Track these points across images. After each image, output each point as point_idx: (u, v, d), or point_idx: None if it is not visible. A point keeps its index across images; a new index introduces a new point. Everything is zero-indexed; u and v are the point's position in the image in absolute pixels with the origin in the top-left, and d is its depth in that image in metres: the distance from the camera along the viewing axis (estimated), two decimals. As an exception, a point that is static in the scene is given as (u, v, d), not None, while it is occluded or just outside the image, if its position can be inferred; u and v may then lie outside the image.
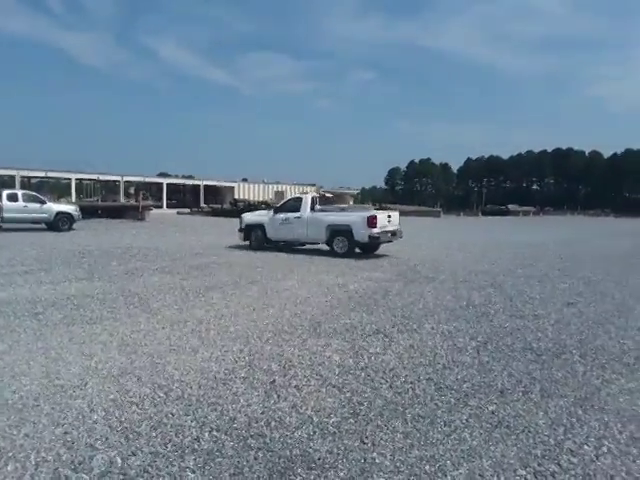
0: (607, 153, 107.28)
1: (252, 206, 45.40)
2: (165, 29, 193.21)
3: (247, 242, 16.53)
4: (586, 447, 3.48)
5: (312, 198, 15.61)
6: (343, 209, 15.82)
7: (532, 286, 10.06)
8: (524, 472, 3.14)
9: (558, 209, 77.28)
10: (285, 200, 16.21)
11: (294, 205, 15.66)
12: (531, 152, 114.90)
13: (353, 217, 14.83)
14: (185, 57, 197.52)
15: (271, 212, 16.10)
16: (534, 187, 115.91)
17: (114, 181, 59.11)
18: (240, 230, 16.49)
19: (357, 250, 14.94)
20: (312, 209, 15.26)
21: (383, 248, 15.83)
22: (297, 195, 16.66)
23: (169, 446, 3.37)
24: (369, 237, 14.44)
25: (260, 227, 15.96)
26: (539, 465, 3.22)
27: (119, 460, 3.18)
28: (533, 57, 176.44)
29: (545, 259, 14.88)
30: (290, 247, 16.28)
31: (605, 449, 3.45)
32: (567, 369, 5.09)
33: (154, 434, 3.53)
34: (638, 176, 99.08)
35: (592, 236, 27.19)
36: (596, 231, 32.49)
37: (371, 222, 14.44)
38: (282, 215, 15.57)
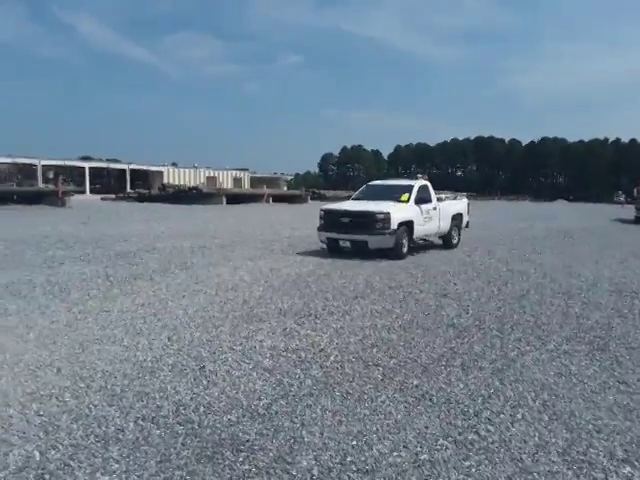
0: (526, 141, 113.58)
1: (182, 192, 44.16)
2: (82, 3, 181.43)
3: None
4: (502, 415, 3.71)
5: None
6: (455, 197, 15.16)
7: (455, 266, 10.51)
8: (445, 442, 3.30)
9: (481, 194, 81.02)
10: (417, 188, 12.59)
11: (424, 194, 12.79)
12: (456, 140, 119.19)
13: (462, 205, 14.85)
14: (107, 35, 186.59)
15: (407, 204, 12.15)
16: (458, 173, 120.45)
17: (31, 165, 55.43)
18: (386, 232, 11.24)
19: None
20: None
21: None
22: (423, 182, 13.29)
23: (91, 437, 3.25)
24: (467, 223, 15.00)
25: (409, 225, 11.92)
26: (459, 434, 3.40)
27: (37, 454, 3.03)
28: (453, 47, 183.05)
29: (466, 243, 15.58)
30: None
31: (520, 416, 3.69)
32: (486, 343, 5.38)
33: (75, 426, 3.39)
34: (553, 162, 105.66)
35: (507, 219, 28.75)
36: (512, 215, 34.39)
37: (469, 209, 15.14)
38: (425, 207, 12.52)
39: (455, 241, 14.03)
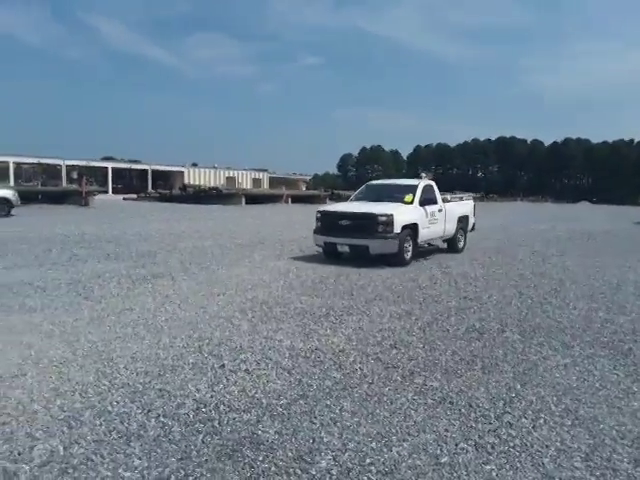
0: (548, 142, 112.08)
1: (202, 192, 44.58)
2: (105, 6, 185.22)
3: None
4: (524, 420, 3.66)
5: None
6: (461, 198, 14.05)
7: (475, 268, 10.42)
8: (466, 445, 3.27)
9: (502, 195, 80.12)
10: (422, 189, 11.64)
11: (429, 195, 11.86)
12: (477, 140, 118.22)
13: (469, 206, 13.94)
14: (126, 36, 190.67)
15: (412, 205, 11.17)
16: (479, 174, 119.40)
17: (55, 165, 56.53)
18: (389, 236, 10.29)
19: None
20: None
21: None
22: (428, 182, 12.41)
23: (114, 433, 3.30)
24: (473, 226, 14.09)
25: (413, 228, 10.95)
26: (480, 438, 3.37)
27: (61, 449, 3.09)
28: (473, 46, 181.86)
29: (487, 245, 15.41)
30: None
31: (542, 421, 3.64)
32: (507, 347, 5.32)
33: (98, 422, 3.45)
34: (576, 163, 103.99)
35: (528, 221, 28.38)
36: (533, 216, 33.92)
37: (475, 211, 14.27)
38: (430, 209, 11.59)
39: (461, 245, 13.29)
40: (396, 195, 11.63)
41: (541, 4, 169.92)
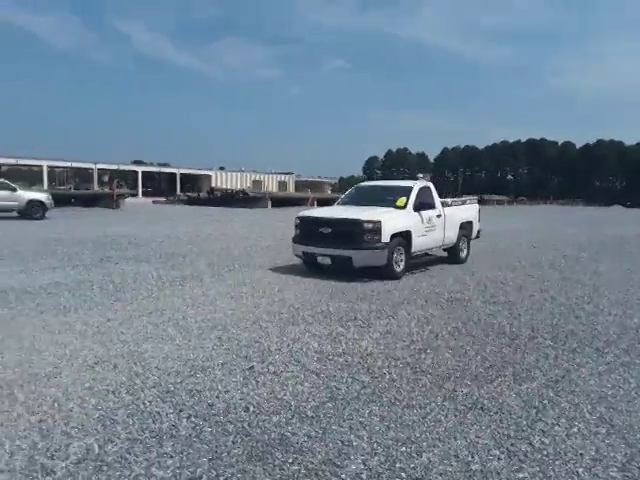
0: (579, 144, 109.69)
1: (229, 195, 45.08)
2: (134, 11, 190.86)
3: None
4: (557, 427, 3.59)
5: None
6: (463, 202, 12.65)
7: (504, 272, 10.25)
8: (497, 452, 3.22)
9: (532, 198, 78.66)
10: (417, 191, 10.38)
11: (425, 198, 10.52)
12: (505, 142, 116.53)
13: (473, 210, 12.58)
14: (155, 41, 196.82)
15: (404, 210, 9.92)
16: (508, 177, 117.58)
17: (87, 169, 58.02)
18: (376, 246, 9.07)
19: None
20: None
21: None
22: (425, 183, 11.12)
23: (147, 432, 3.36)
24: (478, 233, 12.78)
25: (405, 236, 9.71)
26: (512, 445, 3.31)
27: (96, 447, 3.16)
28: (500, 47, 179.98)
29: (515, 248, 15.16)
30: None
31: (575, 429, 3.56)
32: (539, 353, 5.22)
33: (131, 421, 3.51)
34: (608, 166, 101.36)
35: (559, 224, 27.80)
36: (564, 219, 33.23)
37: (480, 216, 12.89)
38: (426, 214, 10.35)
39: (464, 254, 11.92)
40: (388, 198, 10.35)
41: (571, 3, 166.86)
